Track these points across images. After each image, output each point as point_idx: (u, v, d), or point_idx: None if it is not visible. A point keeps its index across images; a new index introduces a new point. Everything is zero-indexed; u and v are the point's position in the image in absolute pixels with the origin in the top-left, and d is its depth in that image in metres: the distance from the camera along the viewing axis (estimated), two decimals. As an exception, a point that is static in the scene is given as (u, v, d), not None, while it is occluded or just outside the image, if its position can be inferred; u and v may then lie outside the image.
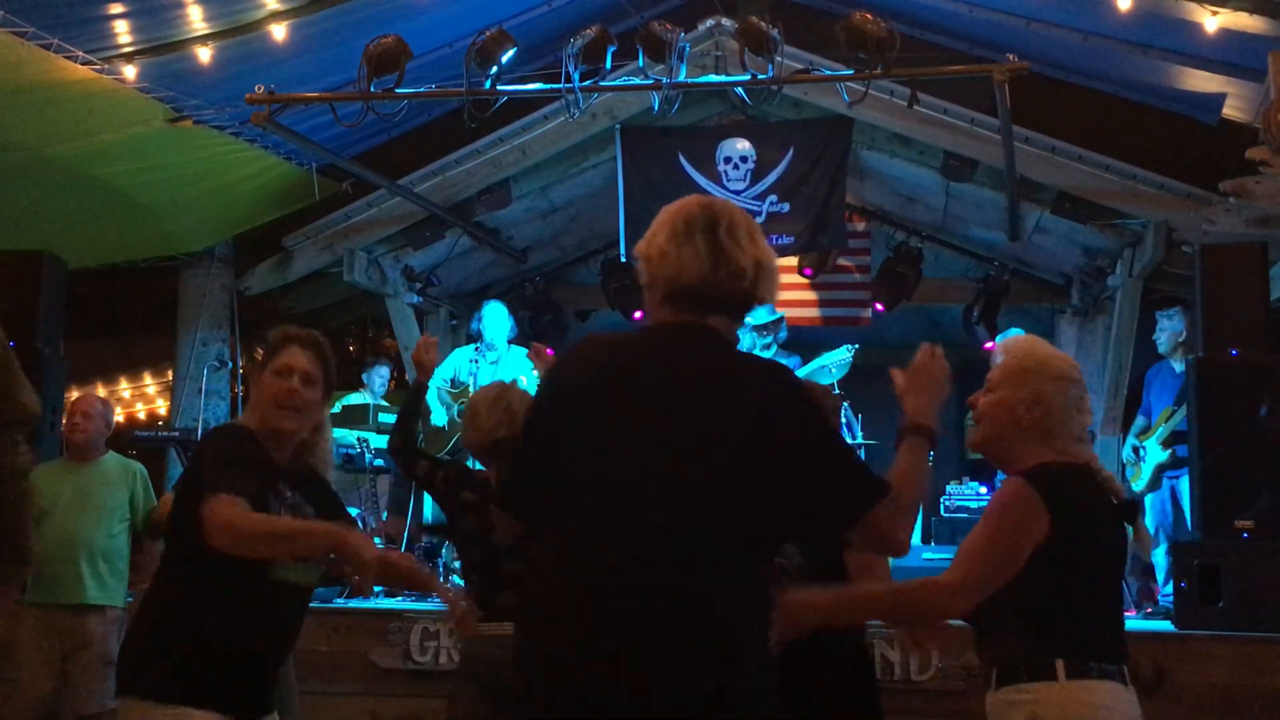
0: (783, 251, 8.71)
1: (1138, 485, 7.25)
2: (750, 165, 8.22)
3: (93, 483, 5.43)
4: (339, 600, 6.34)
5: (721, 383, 2.24)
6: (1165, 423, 7.15)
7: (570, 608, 2.16)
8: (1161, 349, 7.43)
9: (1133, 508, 2.88)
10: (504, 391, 3.99)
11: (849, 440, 8.32)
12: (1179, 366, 7.28)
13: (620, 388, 2.25)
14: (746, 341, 7.93)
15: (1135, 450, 7.32)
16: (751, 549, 2.22)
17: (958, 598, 2.63)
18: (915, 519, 2.42)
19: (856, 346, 7.89)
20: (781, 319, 8.14)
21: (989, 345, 9.23)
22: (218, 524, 2.64)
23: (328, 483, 3.18)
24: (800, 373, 7.70)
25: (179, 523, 2.87)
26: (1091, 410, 2.90)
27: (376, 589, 7.03)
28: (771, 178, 8.20)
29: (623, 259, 8.76)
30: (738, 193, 8.24)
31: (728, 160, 8.24)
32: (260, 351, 3.14)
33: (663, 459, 2.17)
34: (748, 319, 8.06)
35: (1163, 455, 7.13)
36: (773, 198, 8.21)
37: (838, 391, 7.47)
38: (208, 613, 2.78)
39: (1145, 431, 7.35)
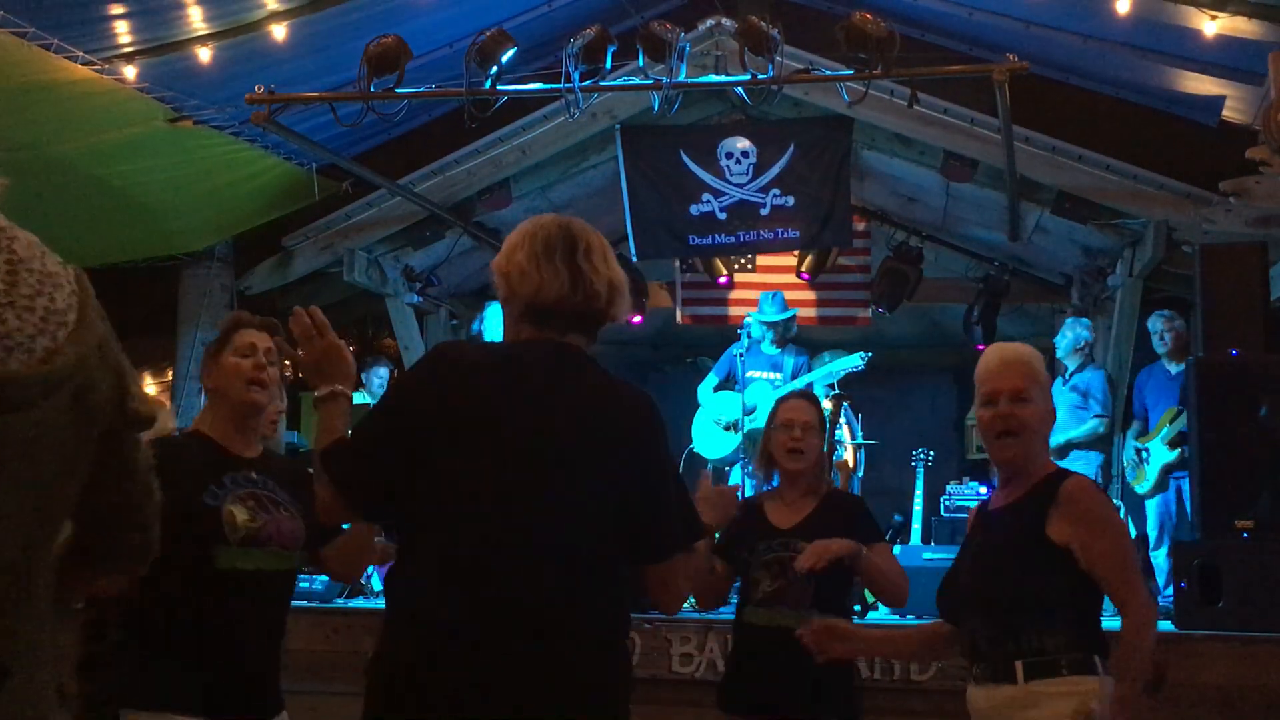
0: (788, 246, 8.74)
1: (1142, 488, 7.23)
2: (752, 160, 8.23)
3: None
4: (339, 600, 6.35)
5: (596, 405, 2.35)
6: (1170, 423, 7.14)
7: (463, 617, 2.17)
8: (1162, 349, 7.40)
9: None
10: None
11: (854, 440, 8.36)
12: (1174, 368, 7.27)
13: (503, 402, 2.29)
14: (756, 333, 7.94)
15: (1138, 453, 7.30)
16: (619, 567, 2.32)
17: (1150, 610, 2.81)
18: (690, 588, 2.64)
19: (870, 355, 7.89)
20: (794, 316, 8.15)
21: (980, 347, 9.25)
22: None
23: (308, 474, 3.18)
24: (811, 376, 7.72)
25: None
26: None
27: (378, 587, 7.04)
28: (774, 171, 8.21)
29: (633, 258, 8.78)
30: (741, 185, 8.24)
31: (729, 156, 8.25)
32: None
33: (549, 476, 2.25)
34: (759, 315, 8.14)
35: (1170, 456, 7.10)
36: (775, 191, 8.21)
37: (838, 392, 7.47)
38: (161, 613, 2.75)
39: (1144, 434, 7.34)
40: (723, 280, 9.36)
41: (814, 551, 3.42)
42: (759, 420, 7.62)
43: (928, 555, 7.68)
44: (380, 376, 8.78)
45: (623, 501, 2.28)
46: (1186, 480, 7.05)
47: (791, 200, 8.20)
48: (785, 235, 8.38)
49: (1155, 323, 7.40)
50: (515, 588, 2.18)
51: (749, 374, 7.68)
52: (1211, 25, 6.64)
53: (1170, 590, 6.43)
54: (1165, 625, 6.05)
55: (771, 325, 7.88)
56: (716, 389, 8.03)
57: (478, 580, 2.19)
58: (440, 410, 2.28)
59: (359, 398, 8.59)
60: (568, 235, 2.40)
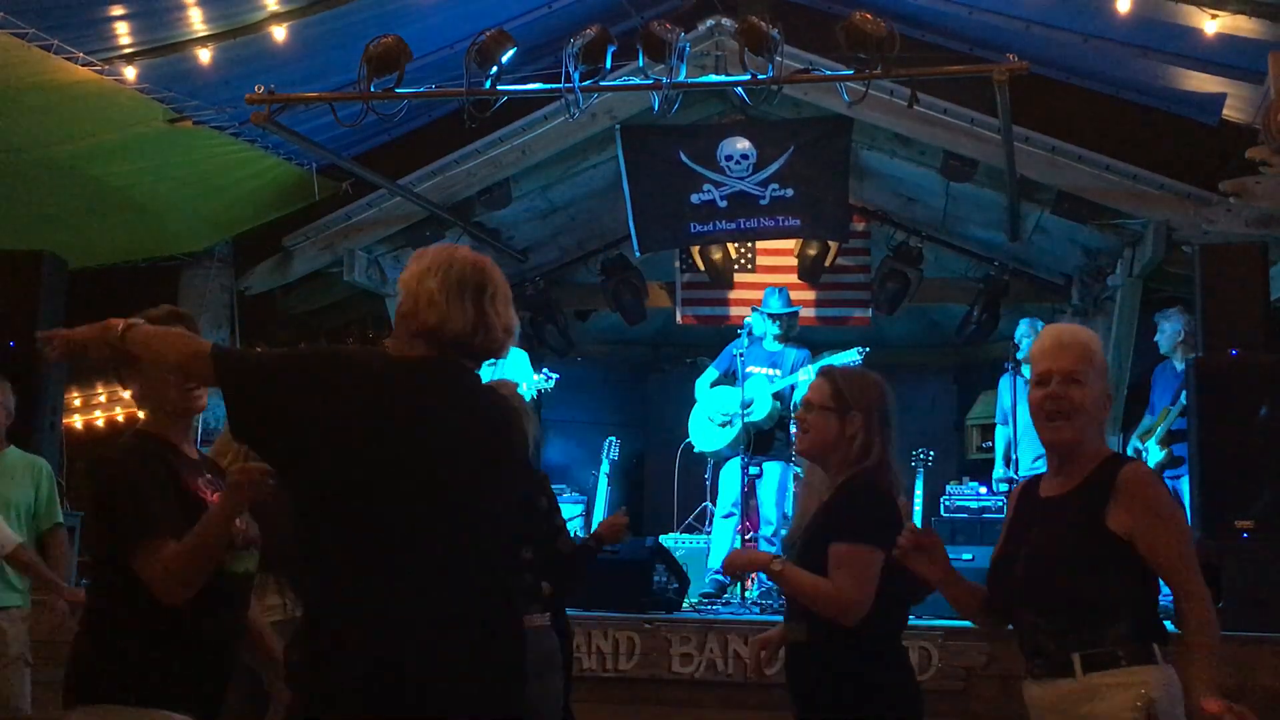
0: (789, 234, 8.78)
1: None
2: (751, 160, 8.25)
3: None
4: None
5: (495, 415, 2.62)
6: (1163, 422, 7.15)
7: (453, 617, 2.39)
8: (1163, 349, 7.42)
9: None
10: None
11: None
12: (1180, 365, 7.27)
13: (440, 415, 2.48)
14: (759, 329, 7.94)
15: (1138, 452, 7.30)
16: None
17: (1211, 601, 2.76)
18: None
19: (867, 349, 7.91)
20: (798, 312, 8.16)
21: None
22: (156, 579, 2.71)
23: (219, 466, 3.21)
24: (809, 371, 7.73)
25: (120, 533, 2.83)
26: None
27: None
28: (774, 167, 8.25)
29: (636, 253, 8.79)
30: (741, 178, 8.26)
31: (729, 157, 8.27)
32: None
33: (483, 490, 2.51)
34: (765, 308, 8.18)
35: (1160, 455, 7.12)
36: (774, 185, 8.24)
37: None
38: (161, 613, 2.76)
39: (1148, 432, 7.34)
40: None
41: (727, 561, 3.41)
42: (756, 415, 7.62)
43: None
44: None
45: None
46: (1180, 480, 7.04)
47: (791, 192, 8.24)
48: (786, 223, 8.41)
49: (1159, 323, 7.40)
50: (494, 585, 2.56)
51: (748, 369, 7.69)
52: (1212, 24, 6.64)
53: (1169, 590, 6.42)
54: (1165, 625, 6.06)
55: (776, 318, 7.88)
56: (715, 384, 8.04)
57: (468, 581, 2.48)
58: (386, 428, 2.46)
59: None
60: (480, 276, 2.56)
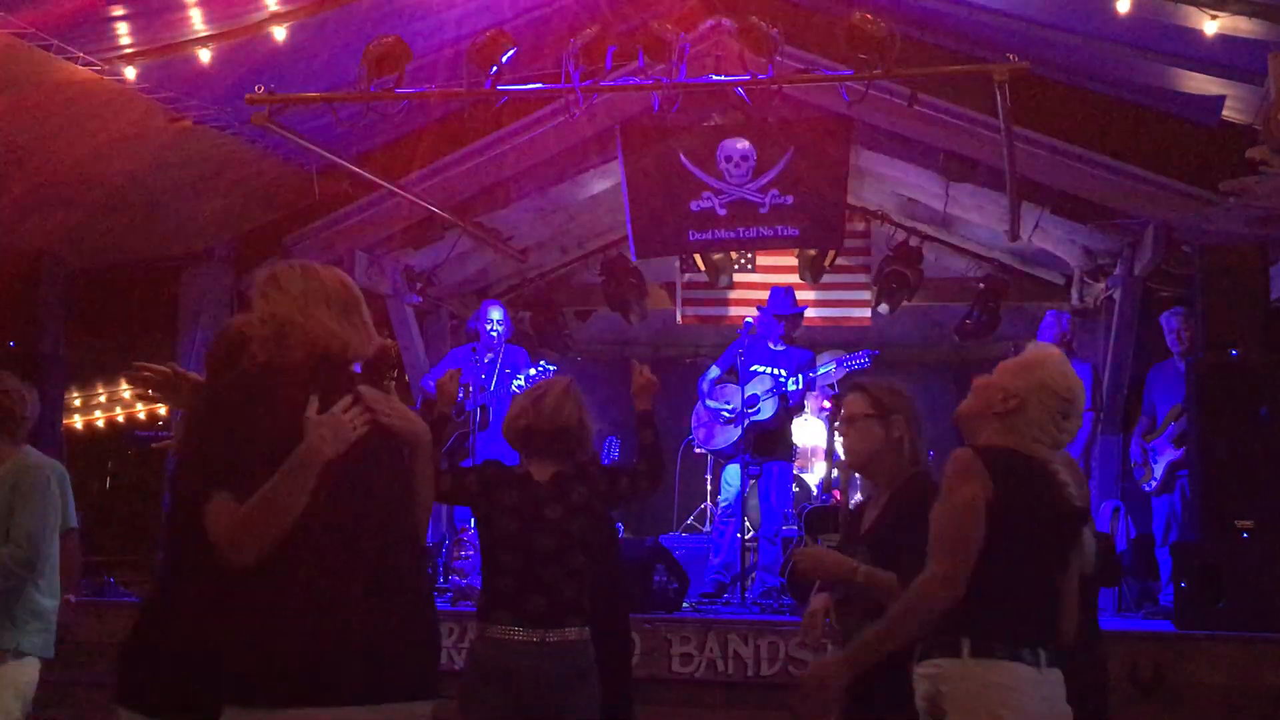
0: (787, 244, 8.77)
1: (1149, 486, 7.21)
2: (751, 163, 8.24)
3: None
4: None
5: None
6: (1175, 421, 7.11)
7: None
8: (1178, 348, 7.38)
9: (1081, 517, 2.94)
10: (546, 387, 3.98)
11: None
12: (1184, 366, 7.25)
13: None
14: (763, 329, 7.94)
15: (1144, 451, 7.28)
16: None
17: (947, 588, 2.77)
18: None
19: (877, 353, 7.91)
20: (803, 312, 8.16)
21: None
22: (218, 536, 2.50)
23: None
24: (816, 372, 7.73)
25: (181, 532, 2.86)
26: (1073, 429, 2.96)
27: None
28: (773, 173, 8.24)
29: (633, 258, 8.78)
30: (740, 184, 8.25)
31: (728, 159, 8.26)
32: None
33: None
34: (771, 308, 8.15)
35: (1177, 454, 7.07)
36: (774, 191, 8.23)
37: (837, 392, 7.48)
38: (199, 621, 2.72)
39: (1151, 432, 7.32)
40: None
41: (807, 562, 3.44)
42: (761, 414, 7.62)
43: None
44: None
45: None
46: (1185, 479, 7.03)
47: (790, 199, 8.23)
48: (784, 233, 8.40)
49: (1172, 320, 7.37)
50: None
51: (752, 368, 7.69)
52: (1212, 25, 6.63)
53: (1170, 590, 6.43)
54: (1165, 625, 6.06)
55: (782, 319, 7.88)
56: (719, 383, 8.04)
57: None
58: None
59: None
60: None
